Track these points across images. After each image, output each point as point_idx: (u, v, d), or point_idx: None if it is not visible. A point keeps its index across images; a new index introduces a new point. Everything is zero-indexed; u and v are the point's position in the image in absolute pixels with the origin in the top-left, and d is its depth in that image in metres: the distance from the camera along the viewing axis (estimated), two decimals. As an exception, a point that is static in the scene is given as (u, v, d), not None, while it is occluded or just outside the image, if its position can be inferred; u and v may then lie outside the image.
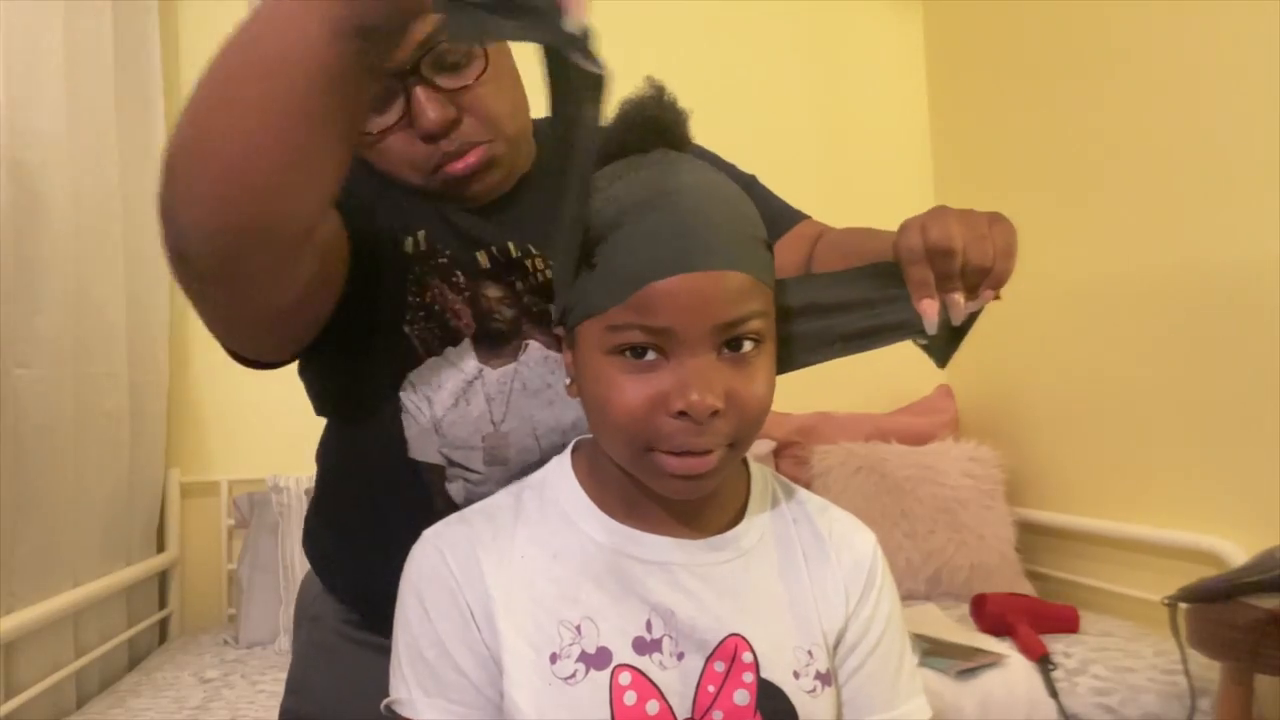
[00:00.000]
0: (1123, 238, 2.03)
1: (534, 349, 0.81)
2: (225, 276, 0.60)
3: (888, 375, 2.50)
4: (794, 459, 2.36)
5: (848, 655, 0.69)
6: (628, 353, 0.59)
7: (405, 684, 0.65)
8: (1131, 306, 2.01)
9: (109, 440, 1.96)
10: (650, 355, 0.59)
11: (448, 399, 0.79)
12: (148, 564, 2.15)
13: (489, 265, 0.81)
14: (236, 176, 0.54)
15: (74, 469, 1.80)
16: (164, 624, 2.28)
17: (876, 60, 2.76)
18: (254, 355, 0.75)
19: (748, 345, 0.60)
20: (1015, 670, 1.65)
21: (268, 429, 2.37)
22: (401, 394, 0.79)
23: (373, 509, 0.83)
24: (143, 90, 2.18)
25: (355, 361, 0.79)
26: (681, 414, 0.58)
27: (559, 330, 0.67)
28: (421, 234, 0.79)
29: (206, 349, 2.36)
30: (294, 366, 0.84)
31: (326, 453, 0.90)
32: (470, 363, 0.79)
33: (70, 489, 1.78)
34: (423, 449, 0.80)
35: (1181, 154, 1.88)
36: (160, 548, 2.28)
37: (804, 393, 2.55)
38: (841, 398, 2.48)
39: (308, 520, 0.94)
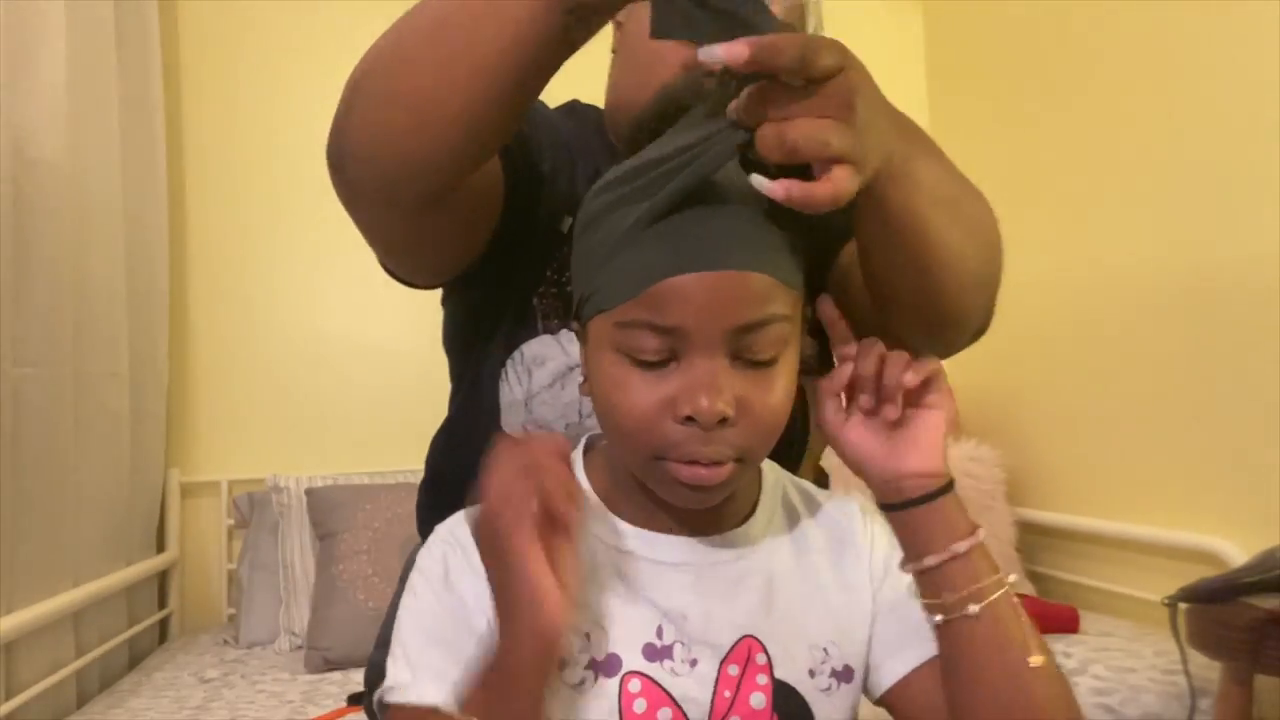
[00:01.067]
0: (1123, 238, 2.03)
1: None
2: (373, 196, 0.65)
3: (888, 375, 2.50)
4: (794, 459, 2.36)
5: (893, 605, 0.67)
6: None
7: (410, 666, 0.62)
8: (1132, 306, 2.01)
9: (109, 440, 1.96)
10: (659, 357, 0.57)
11: (546, 378, 0.80)
12: (148, 564, 2.15)
13: None
14: (414, 107, 0.58)
15: (74, 469, 1.80)
16: (164, 624, 2.28)
17: (876, 60, 2.73)
18: (399, 274, 0.78)
19: (765, 356, 0.57)
20: (1015, 670, 1.65)
21: (268, 429, 2.37)
22: (508, 361, 0.80)
23: (469, 469, 0.84)
24: (143, 90, 2.18)
25: (485, 314, 0.81)
26: (688, 420, 0.55)
27: (574, 325, 0.65)
28: None
29: (207, 349, 2.38)
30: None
31: (450, 407, 0.91)
32: (576, 349, 0.79)
33: (70, 489, 1.78)
34: (509, 421, 0.81)
35: (1182, 153, 1.88)
36: (160, 548, 2.28)
37: (804, 393, 2.55)
38: (841, 398, 2.48)
39: (420, 491, 0.94)
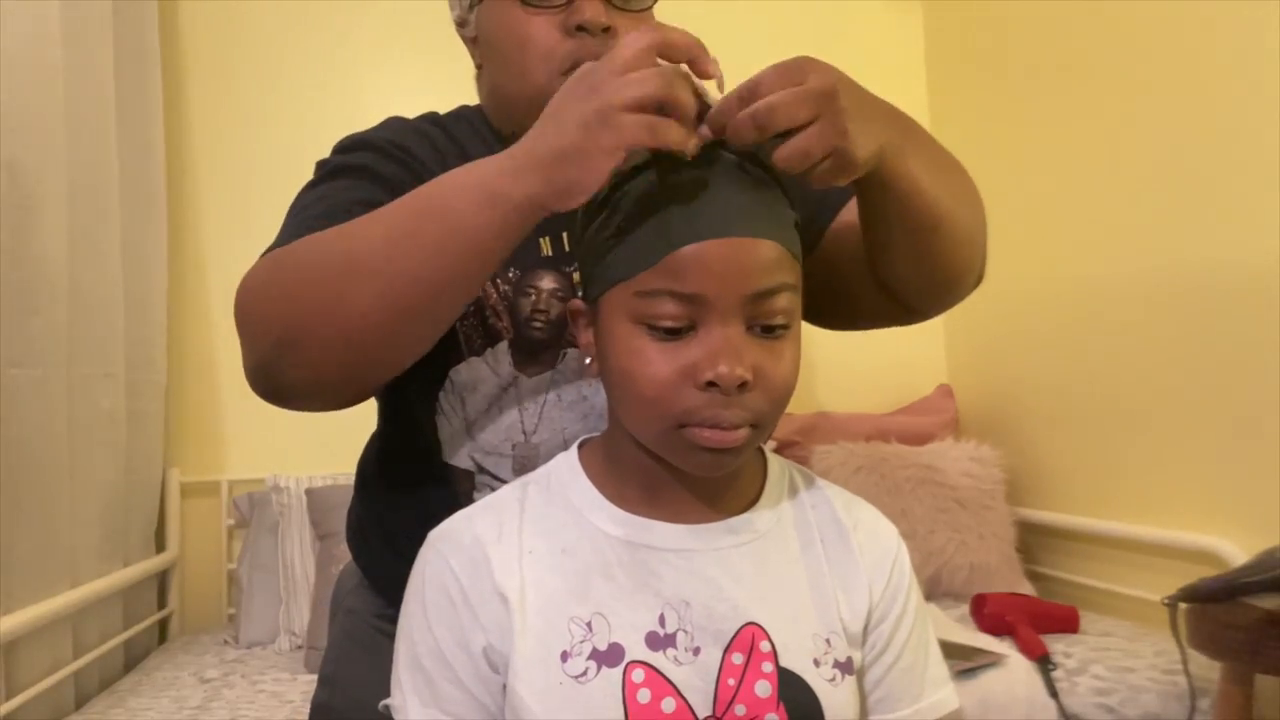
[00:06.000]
0: (1123, 238, 2.03)
1: (572, 358, 0.80)
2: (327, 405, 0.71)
3: (888, 375, 2.51)
4: (794, 459, 2.34)
5: (882, 652, 0.68)
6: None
7: (401, 690, 0.64)
8: (1132, 306, 2.01)
9: (106, 441, 1.96)
10: (679, 324, 0.58)
11: (481, 402, 0.79)
12: (147, 564, 2.14)
13: (550, 253, 0.80)
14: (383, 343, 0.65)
15: (72, 469, 1.79)
16: (164, 624, 2.28)
17: (876, 60, 2.75)
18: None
19: (778, 321, 0.60)
20: (1015, 670, 1.65)
21: (268, 429, 2.36)
22: (440, 393, 0.79)
23: (412, 508, 0.82)
24: (141, 89, 2.18)
25: None
26: (710, 385, 0.57)
27: (578, 304, 0.66)
28: None
29: (206, 349, 2.37)
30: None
31: (371, 447, 0.91)
32: (505, 368, 0.79)
33: (68, 489, 1.78)
34: (454, 452, 0.80)
35: (1182, 154, 1.88)
36: (160, 548, 2.28)
37: (804, 393, 2.55)
38: (841, 398, 2.48)
39: (351, 512, 0.95)
